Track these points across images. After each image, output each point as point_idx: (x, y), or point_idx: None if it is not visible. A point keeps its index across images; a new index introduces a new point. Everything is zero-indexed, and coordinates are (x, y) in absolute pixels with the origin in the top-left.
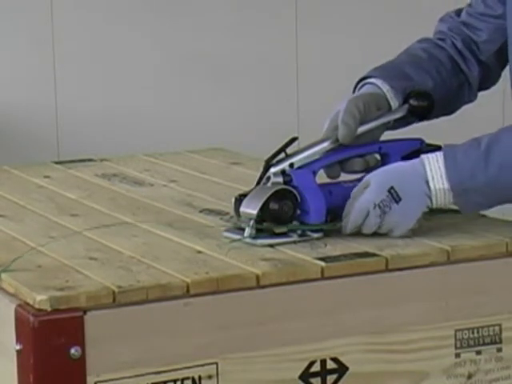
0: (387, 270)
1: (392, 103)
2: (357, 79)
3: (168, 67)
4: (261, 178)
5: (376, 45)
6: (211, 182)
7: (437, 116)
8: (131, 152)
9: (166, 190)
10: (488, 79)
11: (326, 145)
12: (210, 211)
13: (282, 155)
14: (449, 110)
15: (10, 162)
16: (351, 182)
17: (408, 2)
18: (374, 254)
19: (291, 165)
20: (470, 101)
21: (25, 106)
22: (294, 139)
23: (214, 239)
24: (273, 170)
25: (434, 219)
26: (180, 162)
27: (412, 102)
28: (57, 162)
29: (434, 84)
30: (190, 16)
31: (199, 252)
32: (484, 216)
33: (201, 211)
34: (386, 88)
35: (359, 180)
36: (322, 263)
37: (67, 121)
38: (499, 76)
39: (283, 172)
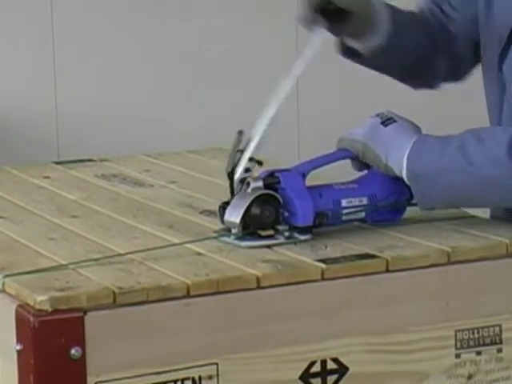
0: (387, 271)
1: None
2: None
3: (168, 67)
4: (233, 188)
5: None
6: (211, 182)
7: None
8: (131, 152)
9: (166, 190)
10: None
11: None
12: (210, 212)
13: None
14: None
15: (10, 161)
16: (343, 184)
17: (408, 1)
18: (374, 256)
19: (251, 159)
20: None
21: (25, 107)
22: (239, 133)
23: (215, 241)
24: (238, 171)
25: (434, 220)
26: (180, 162)
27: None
28: (57, 162)
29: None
30: (191, 16)
31: (199, 254)
32: (484, 217)
33: (201, 212)
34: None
35: (351, 183)
36: (323, 265)
37: (67, 121)
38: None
39: (247, 170)
